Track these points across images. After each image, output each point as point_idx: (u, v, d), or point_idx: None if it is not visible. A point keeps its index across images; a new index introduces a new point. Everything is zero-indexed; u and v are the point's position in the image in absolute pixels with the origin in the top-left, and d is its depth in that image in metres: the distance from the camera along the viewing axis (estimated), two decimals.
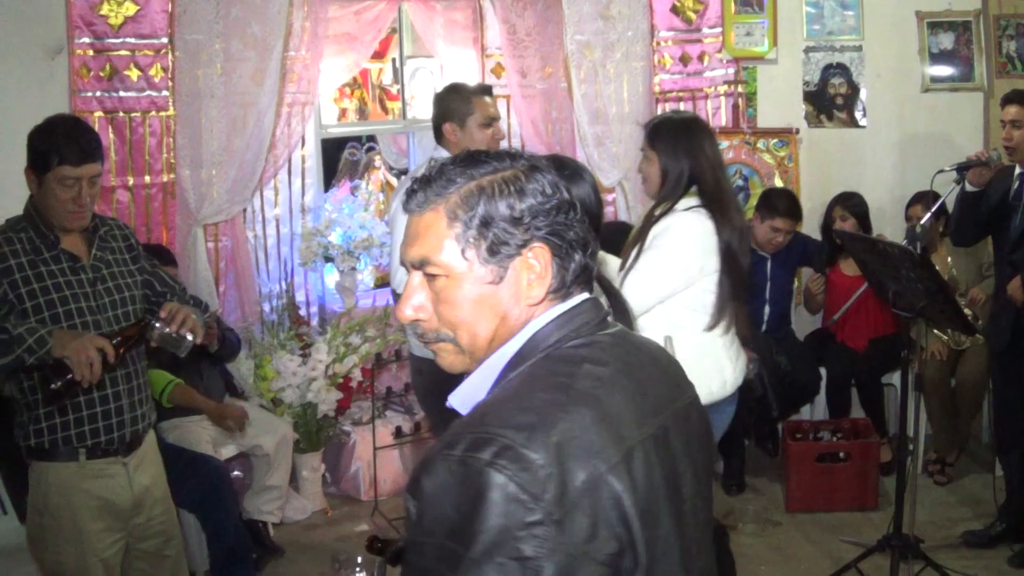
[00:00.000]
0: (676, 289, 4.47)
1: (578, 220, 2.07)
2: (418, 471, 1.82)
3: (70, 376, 3.64)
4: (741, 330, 4.75)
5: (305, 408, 6.90)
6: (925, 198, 6.95)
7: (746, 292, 4.84)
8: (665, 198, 4.60)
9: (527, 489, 1.73)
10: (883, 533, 5.63)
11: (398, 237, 4.83)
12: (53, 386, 3.65)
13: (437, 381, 4.99)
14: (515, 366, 2.01)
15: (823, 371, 7.36)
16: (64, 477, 4.04)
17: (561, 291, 2.06)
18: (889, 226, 7.72)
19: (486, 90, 5.30)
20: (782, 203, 7.25)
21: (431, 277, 2.04)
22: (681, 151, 4.54)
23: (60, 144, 3.89)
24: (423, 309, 2.07)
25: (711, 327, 4.54)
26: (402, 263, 2.11)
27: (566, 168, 3.53)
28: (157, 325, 3.88)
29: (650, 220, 4.61)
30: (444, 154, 5.13)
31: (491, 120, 5.21)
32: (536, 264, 2.01)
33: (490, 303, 2.02)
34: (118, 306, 4.11)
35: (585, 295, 2.11)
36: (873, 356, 7.33)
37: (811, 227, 7.75)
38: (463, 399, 2.08)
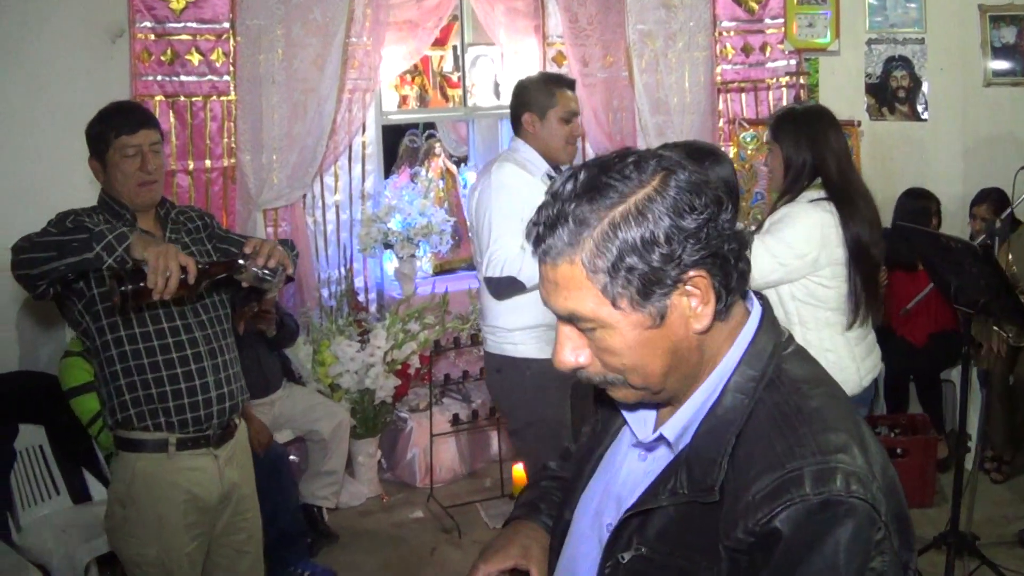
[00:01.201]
0: (788, 276, 4.30)
1: (729, 221, 1.79)
2: (778, 532, 1.67)
3: (143, 284, 3.31)
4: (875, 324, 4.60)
5: (363, 394, 6.76)
6: (990, 197, 6.72)
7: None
8: (788, 190, 4.45)
9: (876, 508, 1.67)
10: (938, 530, 5.42)
11: (495, 219, 4.67)
12: (123, 288, 3.30)
13: (516, 380, 4.78)
14: (741, 390, 1.83)
15: (881, 365, 7.02)
16: (151, 468, 3.84)
17: (727, 304, 1.83)
18: (950, 221, 7.42)
19: (570, 84, 5.01)
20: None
21: (585, 329, 1.81)
22: (804, 142, 4.39)
23: (112, 119, 3.80)
24: (583, 356, 1.85)
25: (848, 325, 4.38)
26: (545, 304, 1.85)
27: (704, 157, 3.30)
28: (244, 263, 3.57)
29: (771, 213, 4.48)
30: (519, 143, 4.94)
31: (572, 115, 4.93)
32: (696, 291, 1.77)
33: (655, 344, 1.79)
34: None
35: (749, 294, 1.94)
36: (932, 351, 7.09)
37: None
38: (675, 430, 1.88)
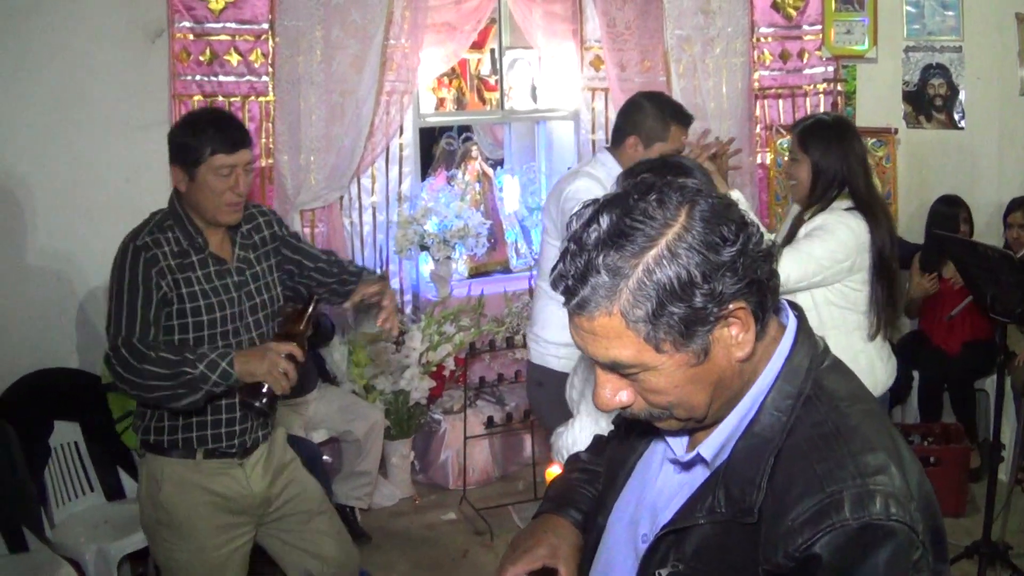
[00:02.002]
0: (824, 280, 4.33)
1: (757, 242, 1.71)
2: (818, 557, 1.65)
3: (267, 390, 3.52)
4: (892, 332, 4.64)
5: (397, 395, 6.71)
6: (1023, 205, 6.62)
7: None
8: (816, 201, 4.48)
9: (914, 529, 1.66)
10: (971, 539, 5.34)
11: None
12: (258, 404, 3.54)
13: (557, 395, 4.66)
14: (778, 408, 1.79)
15: (915, 374, 7.03)
16: (179, 472, 3.79)
17: (764, 324, 1.80)
18: (985, 230, 7.30)
19: (688, 120, 4.85)
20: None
21: (628, 374, 1.75)
22: (834, 153, 4.41)
23: (210, 134, 3.63)
24: (624, 396, 1.80)
25: (869, 331, 4.45)
26: (582, 351, 1.79)
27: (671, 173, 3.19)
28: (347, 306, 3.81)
29: (799, 224, 4.49)
30: (608, 159, 4.78)
31: (677, 153, 4.69)
32: (737, 320, 1.72)
33: (700, 379, 1.74)
34: (258, 309, 3.87)
35: (782, 304, 1.90)
36: (967, 360, 6.97)
37: (908, 227, 7.43)
38: (712, 450, 1.84)
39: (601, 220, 1.67)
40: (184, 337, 3.65)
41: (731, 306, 1.67)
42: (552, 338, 4.75)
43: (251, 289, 3.83)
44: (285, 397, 3.69)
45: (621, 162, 4.70)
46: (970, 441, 6.64)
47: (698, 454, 1.84)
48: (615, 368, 1.74)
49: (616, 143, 4.80)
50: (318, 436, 6.18)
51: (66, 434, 5.25)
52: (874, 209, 4.39)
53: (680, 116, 4.80)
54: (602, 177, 4.67)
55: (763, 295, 1.72)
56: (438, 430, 7.02)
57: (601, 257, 1.64)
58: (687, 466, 1.90)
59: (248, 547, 3.98)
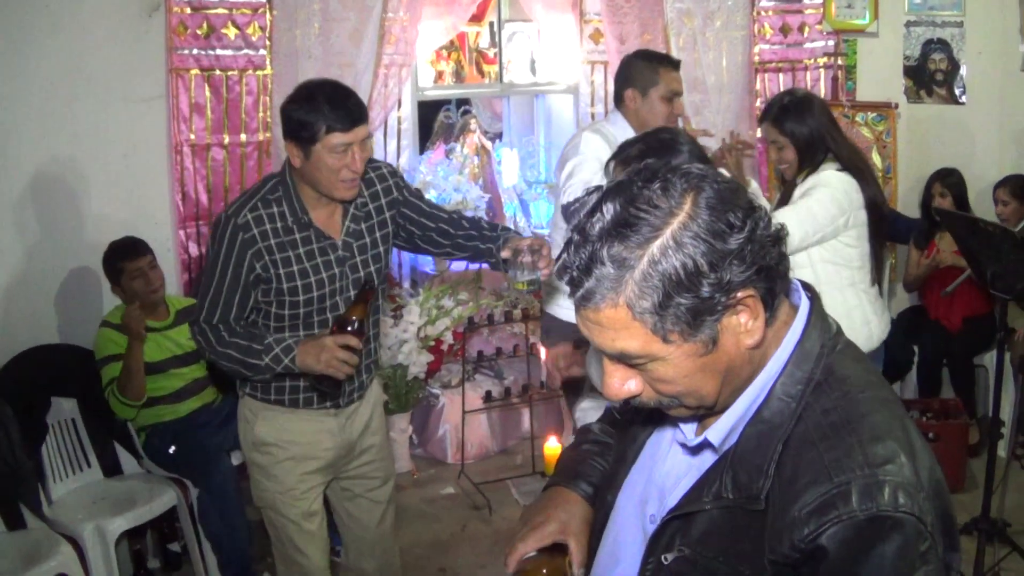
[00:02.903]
0: (822, 237, 4.48)
1: (765, 227, 1.67)
2: (824, 549, 1.63)
3: (329, 380, 3.61)
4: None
5: (395, 369, 6.66)
6: (1010, 180, 6.59)
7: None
8: (806, 165, 4.61)
9: (922, 520, 1.63)
10: (969, 515, 5.30)
11: (574, 167, 4.62)
12: (321, 387, 3.66)
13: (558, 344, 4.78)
14: (788, 394, 1.77)
15: (915, 349, 7.01)
16: (272, 416, 3.89)
17: (774, 309, 1.76)
18: (985, 206, 7.23)
19: (675, 63, 5.02)
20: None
21: (636, 364, 1.72)
22: (807, 122, 4.54)
23: (326, 111, 3.50)
24: (633, 385, 1.76)
25: (869, 281, 4.64)
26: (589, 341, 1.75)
27: (663, 152, 3.17)
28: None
29: (792, 189, 4.66)
30: (619, 120, 4.95)
31: (674, 94, 4.94)
32: (746, 308, 1.67)
33: (709, 367, 1.71)
34: (355, 287, 3.81)
35: (795, 285, 1.86)
36: (966, 336, 6.93)
37: (909, 202, 7.42)
38: (720, 435, 1.81)
39: (605, 210, 1.64)
40: (280, 312, 3.70)
41: (739, 294, 1.63)
42: (560, 286, 4.78)
43: (356, 262, 3.78)
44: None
45: (628, 118, 4.90)
46: (969, 417, 6.63)
47: (706, 439, 1.81)
48: (622, 359, 1.71)
49: (618, 103, 4.99)
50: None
51: (63, 411, 5.21)
52: (859, 166, 4.57)
53: (666, 59, 5.03)
54: (609, 133, 4.81)
55: (772, 281, 1.69)
56: (436, 404, 7.00)
57: (605, 248, 1.61)
58: (695, 450, 1.88)
59: (320, 501, 4.02)
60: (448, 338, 6.87)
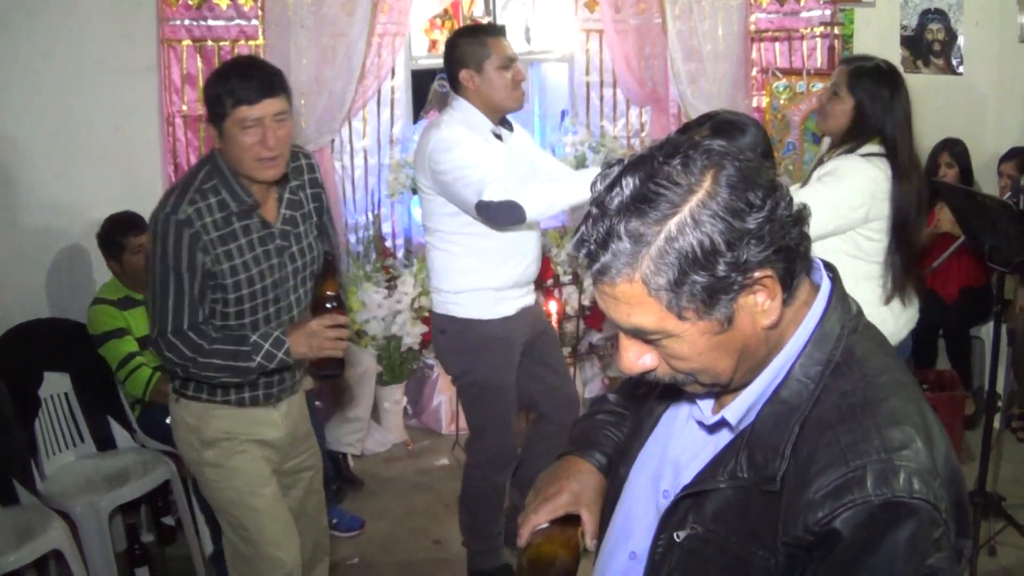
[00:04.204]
0: (838, 228, 4.27)
1: (786, 206, 1.66)
2: (838, 533, 1.63)
3: (329, 360, 3.61)
4: (911, 285, 4.55)
5: (389, 341, 6.67)
6: (1018, 155, 6.55)
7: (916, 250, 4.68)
8: (848, 141, 4.38)
9: (937, 507, 1.62)
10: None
11: (469, 158, 4.50)
12: (326, 373, 3.72)
13: (457, 341, 4.77)
14: (807, 375, 1.76)
15: None
16: (220, 414, 3.79)
17: (793, 289, 1.74)
18: (982, 177, 7.23)
19: (500, 30, 4.83)
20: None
21: (651, 340, 1.71)
22: (881, 102, 4.31)
23: (233, 85, 3.38)
24: (648, 360, 1.76)
25: (883, 285, 4.40)
26: (607, 316, 1.74)
27: (729, 133, 3.17)
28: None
29: (821, 162, 4.47)
30: (464, 105, 4.72)
31: (510, 61, 4.72)
32: (763, 288, 1.66)
33: (724, 346, 1.70)
34: (300, 272, 3.75)
35: (816, 264, 1.86)
36: (963, 307, 6.93)
37: None
38: (737, 414, 1.81)
39: (624, 183, 1.63)
40: (226, 311, 3.59)
41: (756, 274, 1.62)
42: (448, 287, 4.79)
43: (294, 251, 3.70)
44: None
45: (472, 100, 4.70)
46: (965, 388, 6.64)
47: (723, 418, 1.82)
48: (637, 334, 1.71)
49: (455, 87, 4.78)
50: (309, 382, 6.02)
51: (56, 385, 5.19)
52: (906, 167, 4.32)
53: (489, 29, 4.90)
54: (459, 120, 4.67)
55: (792, 261, 1.67)
56: (430, 375, 6.99)
57: (623, 223, 1.60)
58: (712, 427, 1.88)
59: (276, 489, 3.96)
60: None
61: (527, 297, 4.90)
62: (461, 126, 4.62)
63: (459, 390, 5.09)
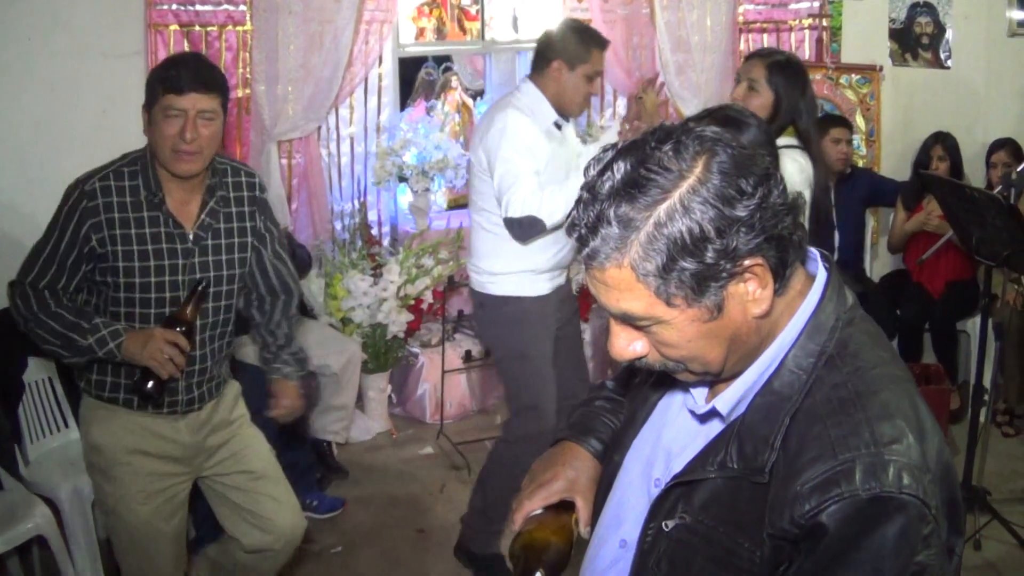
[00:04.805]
0: None
1: (781, 194, 1.66)
2: (824, 527, 1.62)
3: (155, 378, 3.44)
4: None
5: (375, 329, 6.63)
6: (1008, 144, 6.56)
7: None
8: None
9: (926, 503, 1.61)
10: None
11: (511, 163, 4.59)
12: (145, 388, 3.46)
13: (494, 316, 4.87)
14: (800, 366, 1.75)
15: (897, 313, 7.00)
16: (108, 416, 3.71)
17: (786, 279, 1.73)
18: (970, 170, 7.24)
19: (604, 44, 4.91)
20: (829, 116, 7.02)
21: (641, 326, 1.71)
22: (795, 91, 4.35)
23: (168, 72, 3.41)
24: (638, 346, 1.75)
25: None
26: (597, 301, 1.74)
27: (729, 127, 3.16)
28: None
29: None
30: (530, 88, 4.83)
31: (597, 75, 4.87)
32: (754, 276, 1.65)
33: (714, 334, 1.69)
34: (213, 284, 3.68)
35: (813, 255, 1.85)
36: (949, 301, 6.93)
37: (892, 166, 7.44)
38: (728, 404, 1.80)
39: (616, 168, 1.62)
40: (116, 296, 3.55)
41: (747, 262, 1.61)
42: (489, 268, 4.89)
43: (208, 260, 3.65)
44: (173, 380, 3.56)
45: (546, 87, 4.79)
46: (951, 383, 6.65)
47: (714, 407, 1.81)
48: (627, 320, 1.71)
49: (539, 69, 4.84)
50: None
51: (40, 370, 5.14)
52: (816, 149, 4.41)
53: (598, 39, 4.88)
54: (526, 107, 4.75)
55: (784, 250, 1.66)
56: (415, 364, 6.98)
57: (613, 208, 1.60)
58: (704, 417, 1.87)
59: (182, 496, 3.86)
60: (428, 297, 6.83)
61: (561, 277, 5.02)
62: (524, 116, 4.70)
63: (498, 366, 5.21)
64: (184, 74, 3.39)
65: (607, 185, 1.62)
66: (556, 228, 4.57)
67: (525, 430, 4.89)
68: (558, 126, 4.83)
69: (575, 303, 5.35)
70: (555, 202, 4.47)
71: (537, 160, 4.62)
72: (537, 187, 4.52)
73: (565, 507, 2.15)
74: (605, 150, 1.68)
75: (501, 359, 5.09)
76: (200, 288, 3.56)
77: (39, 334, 3.52)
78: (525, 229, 4.60)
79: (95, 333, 3.43)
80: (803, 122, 4.37)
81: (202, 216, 3.63)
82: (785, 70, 4.39)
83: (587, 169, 1.67)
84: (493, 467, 5.06)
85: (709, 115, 3.41)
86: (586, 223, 1.63)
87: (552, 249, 4.81)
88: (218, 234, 3.67)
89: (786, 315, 1.76)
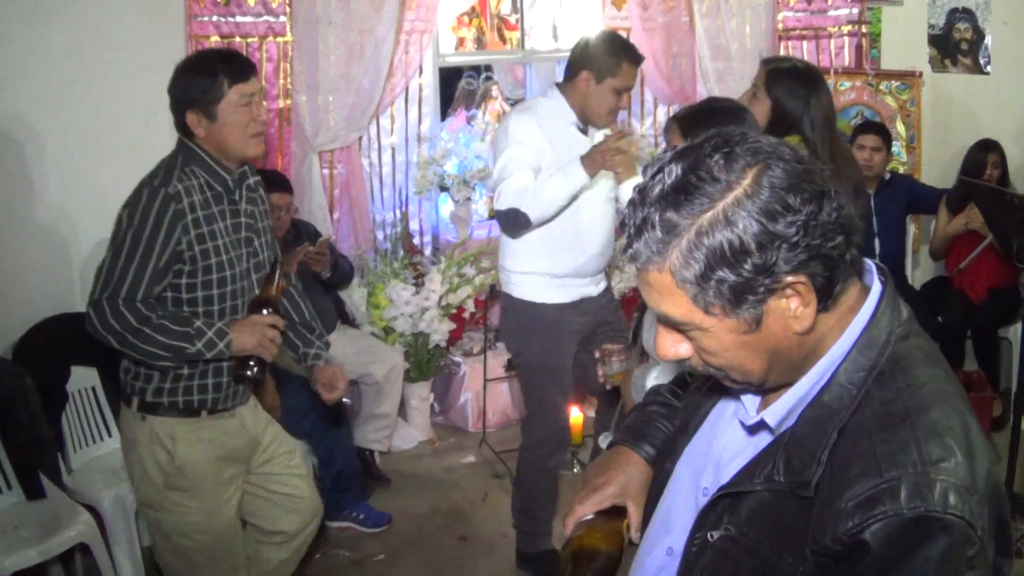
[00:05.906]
0: None
1: (835, 210, 1.60)
2: (867, 545, 1.57)
3: (256, 360, 3.52)
4: None
5: (417, 337, 6.63)
6: None
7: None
8: None
9: (972, 524, 1.54)
10: None
11: (507, 159, 4.62)
12: (250, 374, 3.54)
13: (513, 318, 4.90)
14: (850, 381, 1.69)
15: (939, 319, 6.88)
16: (189, 431, 3.67)
17: (834, 297, 1.67)
18: (1011, 177, 7.13)
19: (638, 59, 4.82)
20: (863, 124, 6.91)
21: (682, 330, 1.70)
22: (797, 98, 4.17)
23: (224, 69, 3.48)
24: (682, 349, 1.74)
25: None
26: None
27: (724, 119, 3.09)
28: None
29: None
30: (558, 98, 4.78)
31: (625, 89, 4.76)
32: (796, 294, 1.61)
33: (753, 346, 1.67)
34: (260, 269, 3.72)
35: (869, 267, 1.78)
36: (992, 307, 6.83)
37: (931, 173, 7.32)
38: (777, 416, 1.76)
39: (668, 172, 1.61)
40: (193, 296, 3.53)
41: (788, 279, 1.58)
42: (510, 267, 4.91)
43: (256, 246, 3.70)
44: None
45: (573, 96, 4.74)
46: (993, 390, 6.56)
47: (762, 419, 1.78)
48: (668, 323, 1.70)
49: (568, 78, 4.79)
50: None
51: (83, 379, 5.15)
52: (829, 159, 4.14)
53: (631, 53, 4.79)
54: (543, 112, 4.73)
55: (832, 269, 1.62)
56: (457, 372, 6.96)
57: (659, 213, 1.59)
58: (753, 428, 1.84)
59: (239, 498, 3.88)
60: (470, 306, 6.80)
61: (590, 287, 4.92)
62: (531, 118, 4.69)
63: (516, 370, 5.28)
64: (239, 65, 3.53)
65: (657, 188, 1.61)
66: (543, 223, 4.58)
67: (537, 434, 4.97)
68: (582, 130, 4.78)
69: (615, 314, 5.18)
70: (538, 196, 4.48)
71: (537, 159, 4.59)
72: (529, 183, 4.52)
73: (617, 512, 2.14)
74: (665, 151, 1.66)
75: (517, 364, 5.16)
76: (277, 263, 3.66)
77: (145, 349, 3.39)
78: (510, 221, 4.62)
79: (201, 337, 3.41)
80: (810, 131, 4.21)
81: (243, 204, 3.68)
82: (785, 78, 4.26)
83: (645, 170, 1.64)
84: (520, 470, 5.15)
85: (691, 110, 3.34)
86: (634, 224, 1.63)
87: (569, 254, 4.74)
88: (255, 216, 3.74)
89: (836, 330, 1.71)
